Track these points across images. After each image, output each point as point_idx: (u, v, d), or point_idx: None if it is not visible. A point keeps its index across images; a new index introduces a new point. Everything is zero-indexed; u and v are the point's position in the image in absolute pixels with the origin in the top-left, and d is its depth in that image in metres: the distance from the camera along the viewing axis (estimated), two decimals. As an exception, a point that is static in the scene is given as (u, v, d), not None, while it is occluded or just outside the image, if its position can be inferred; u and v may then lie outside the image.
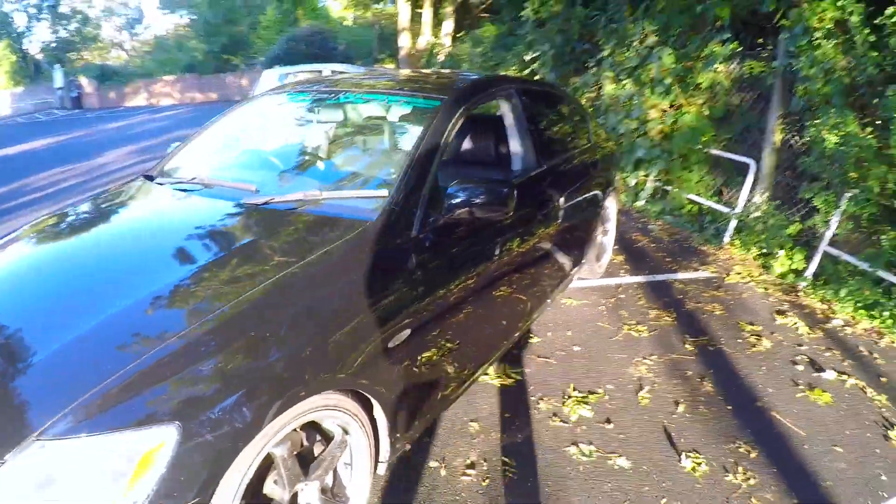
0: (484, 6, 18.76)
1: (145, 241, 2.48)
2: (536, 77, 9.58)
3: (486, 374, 3.58)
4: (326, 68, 10.30)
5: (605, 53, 7.79)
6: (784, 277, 5.34)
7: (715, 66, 6.30)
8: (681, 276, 5.42)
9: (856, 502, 2.66)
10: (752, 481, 2.77)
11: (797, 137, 5.82)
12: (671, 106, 6.83)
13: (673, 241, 6.44)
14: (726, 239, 6.24)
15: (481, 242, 2.82)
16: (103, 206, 2.98)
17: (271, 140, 3.76)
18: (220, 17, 37.50)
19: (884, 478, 2.82)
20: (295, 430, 1.89)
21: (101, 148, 14.66)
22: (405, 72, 4.66)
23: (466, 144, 4.46)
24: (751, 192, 6.29)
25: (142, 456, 1.49)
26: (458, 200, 2.47)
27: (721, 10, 6.10)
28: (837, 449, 3.02)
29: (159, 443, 1.51)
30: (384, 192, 2.47)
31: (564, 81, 9.18)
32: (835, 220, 5.09)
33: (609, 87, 7.47)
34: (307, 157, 3.50)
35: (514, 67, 11.59)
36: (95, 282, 2.17)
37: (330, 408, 1.94)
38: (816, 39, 4.78)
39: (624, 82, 7.44)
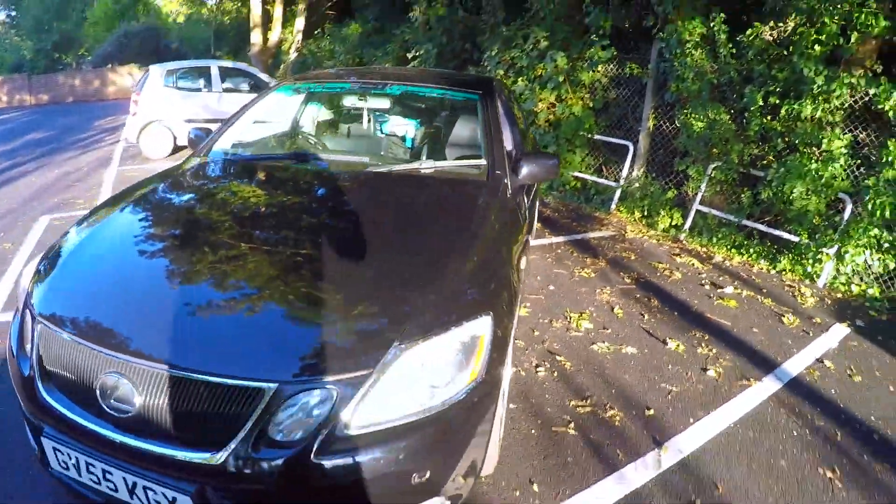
0: (331, 4, 19.40)
1: (340, 204, 2.81)
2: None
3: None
4: (213, 65, 10.49)
5: (493, 53, 9.04)
6: (668, 232, 6.93)
7: (597, 67, 7.79)
8: (591, 235, 6.80)
9: (777, 354, 4.08)
10: (713, 351, 4.09)
11: (668, 124, 7.47)
12: (559, 99, 8.23)
13: (570, 210, 7.85)
14: (613, 206, 7.77)
15: (528, 200, 3.81)
16: (244, 180, 3.22)
17: (334, 123, 4.43)
18: (52, 13, 33.82)
19: (788, 341, 4.30)
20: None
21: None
22: (414, 70, 5.51)
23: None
24: (630, 168, 7.89)
25: (477, 339, 1.99)
26: (525, 170, 3.34)
27: (604, 22, 7.61)
28: (755, 330, 4.47)
29: (483, 329, 2.02)
30: (483, 162, 3.30)
31: None
32: (703, 186, 6.74)
33: (507, 83, 8.75)
34: (386, 137, 4.24)
35: (387, 64, 12.48)
36: (348, 236, 2.48)
37: None
38: (688, 49, 6.36)
39: (512, 79, 8.73)
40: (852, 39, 5.31)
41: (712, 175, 6.61)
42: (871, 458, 3.02)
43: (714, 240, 6.46)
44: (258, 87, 10.48)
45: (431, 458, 1.85)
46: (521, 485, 2.64)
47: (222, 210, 2.75)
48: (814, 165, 5.41)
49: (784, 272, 5.78)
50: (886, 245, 5.07)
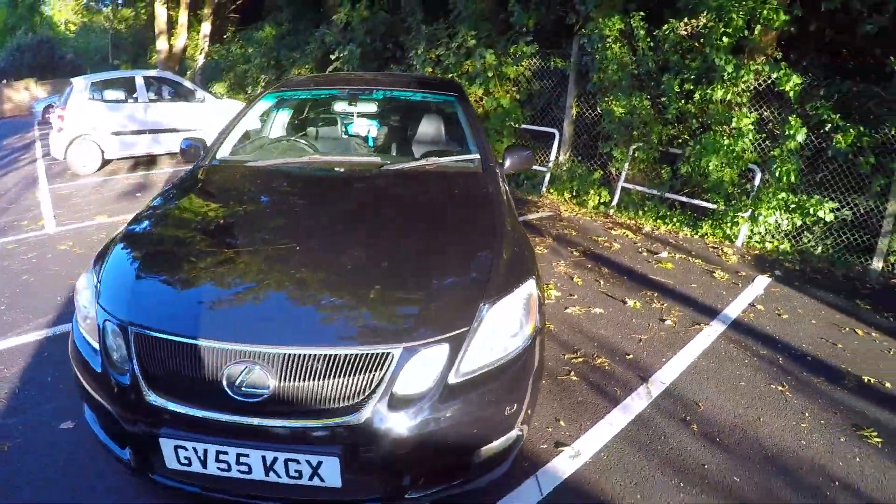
0: (234, 7, 19.18)
1: (384, 198, 3.16)
2: (342, 70, 10.88)
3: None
4: (138, 75, 10.32)
5: (419, 52, 9.50)
6: (597, 209, 7.66)
7: (522, 62, 8.42)
8: (531, 216, 7.42)
9: (717, 303, 4.81)
10: (665, 305, 4.77)
11: (590, 111, 8.20)
12: (486, 93, 8.80)
13: (506, 195, 8.45)
14: (544, 189, 8.44)
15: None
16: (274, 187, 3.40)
17: (334, 126, 4.65)
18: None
19: (723, 292, 5.05)
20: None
21: None
22: (388, 75, 5.84)
23: None
24: (557, 153, 8.58)
25: (531, 296, 2.40)
26: (508, 161, 3.81)
27: (527, 20, 8.24)
28: (693, 285, 5.20)
29: (532, 288, 2.41)
30: (475, 156, 3.71)
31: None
32: (626, 165, 7.51)
33: None
34: (385, 137, 4.54)
35: (307, 66, 12.64)
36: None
37: None
38: (608, 43, 7.07)
39: (440, 76, 9.22)
40: (756, 32, 6.16)
41: (635, 155, 7.37)
42: (809, 374, 3.75)
43: (641, 213, 7.23)
44: (183, 96, 10.44)
45: (513, 393, 2.27)
46: (550, 423, 3.16)
47: (273, 210, 3.03)
48: (726, 141, 6.22)
49: (706, 236, 6.61)
50: (793, 206, 5.95)
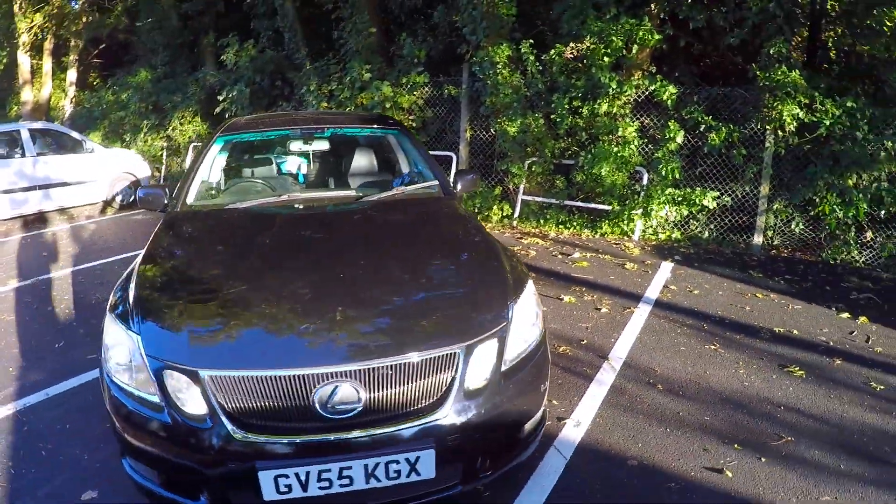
0: (96, 53, 18.42)
1: (381, 225, 3.38)
2: (231, 111, 10.88)
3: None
4: (23, 128, 9.63)
5: (311, 88, 9.75)
6: (502, 221, 8.27)
7: (415, 91, 8.93)
8: (445, 235, 7.90)
9: (637, 289, 5.48)
10: (595, 296, 5.38)
11: (483, 133, 8.84)
12: (382, 123, 9.20)
13: (413, 219, 8.89)
14: (449, 209, 8.95)
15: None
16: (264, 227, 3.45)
17: (292, 165, 4.79)
18: None
19: (638, 279, 5.75)
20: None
21: None
22: (327, 113, 5.99)
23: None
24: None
25: (534, 293, 2.76)
26: (460, 185, 4.15)
27: (419, 52, 8.78)
28: (611, 277, 5.87)
29: (533, 286, 2.79)
30: (435, 182, 3.96)
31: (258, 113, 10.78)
32: (524, 179, 8.19)
33: None
34: (343, 171, 4.68)
35: (190, 109, 12.40)
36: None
37: None
38: (499, 69, 7.74)
39: (335, 109, 9.52)
40: (634, 51, 7.05)
41: (531, 169, 8.07)
42: (732, 333, 4.45)
43: (542, 221, 7.92)
44: (71, 147, 9.93)
45: (542, 372, 2.64)
46: (545, 404, 3.59)
47: (288, 244, 3.16)
48: (615, 149, 7.02)
49: (606, 234, 7.38)
50: (679, 199, 6.82)
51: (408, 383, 2.20)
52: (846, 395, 3.52)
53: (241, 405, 2.13)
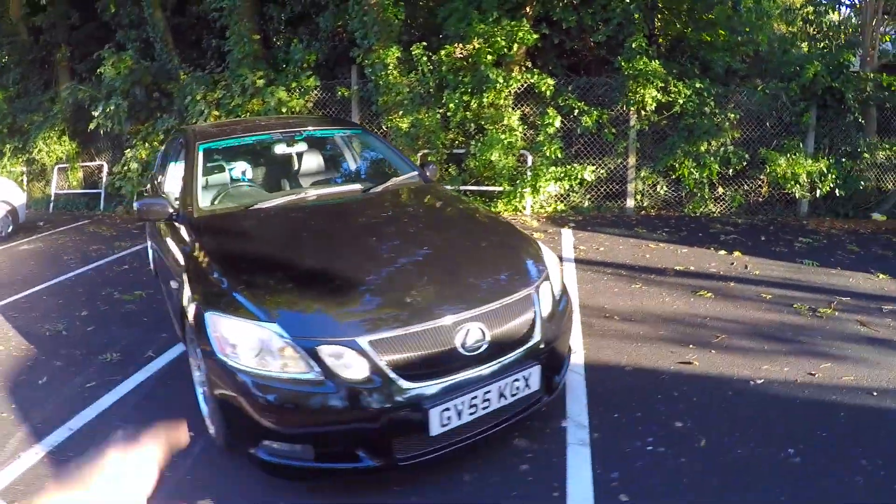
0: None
1: (363, 226, 3.62)
2: (106, 127, 10.46)
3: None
4: None
5: (198, 98, 9.65)
6: (404, 210, 8.97)
7: (307, 94, 9.30)
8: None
9: (553, 251, 6.48)
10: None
11: (375, 130, 9.44)
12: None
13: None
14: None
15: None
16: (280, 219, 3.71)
17: (287, 165, 4.98)
18: None
19: (550, 244, 6.74)
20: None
21: None
22: (292, 117, 6.43)
23: None
24: (351, 170, 9.67)
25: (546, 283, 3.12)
26: (429, 173, 4.64)
27: (309, 56, 9.17)
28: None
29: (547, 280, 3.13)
30: (415, 173, 4.41)
31: (136, 127, 10.45)
32: (420, 169, 8.93)
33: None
34: (328, 168, 5.09)
35: (57, 127, 11.62)
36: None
37: None
38: (390, 70, 8.41)
39: (224, 116, 9.54)
40: (514, 49, 8.04)
41: (428, 159, 8.83)
42: (647, 274, 5.52)
43: (444, 205, 8.73)
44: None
45: (569, 308, 3.34)
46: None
47: (334, 234, 3.48)
48: (503, 136, 7.98)
49: (502, 212, 8.35)
50: (561, 175, 7.93)
51: (511, 319, 2.79)
52: (748, 304, 4.70)
53: (403, 360, 2.51)
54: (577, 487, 2.68)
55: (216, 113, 9.48)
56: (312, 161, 5.11)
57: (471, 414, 2.62)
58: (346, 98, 9.36)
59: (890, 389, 3.38)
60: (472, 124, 8.37)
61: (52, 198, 11.93)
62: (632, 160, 7.95)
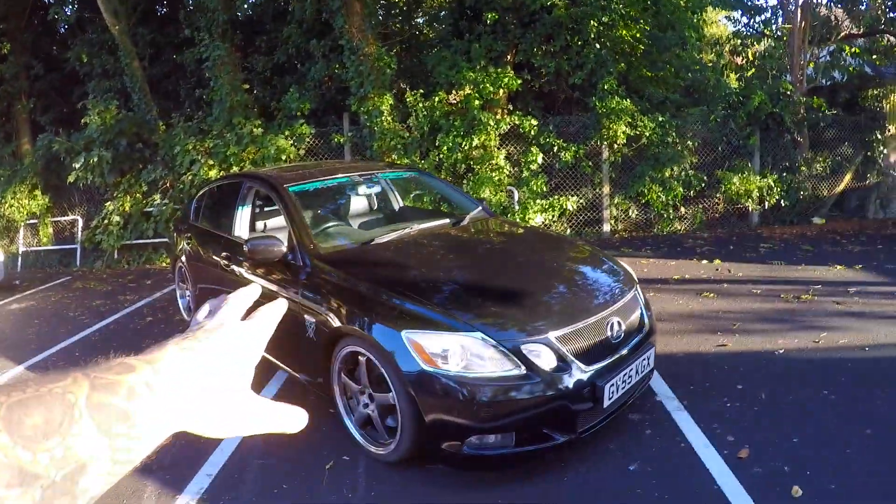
0: None
1: (481, 250, 4.39)
2: (86, 180, 10.59)
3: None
4: None
5: (189, 147, 10.02)
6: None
7: (302, 142, 9.98)
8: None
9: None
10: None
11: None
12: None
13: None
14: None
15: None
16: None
17: (366, 204, 5.57)
18: None
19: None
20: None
21: None
22: (360, 163, 7.23)
23: None
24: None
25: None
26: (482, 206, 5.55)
27: (303, 105, 9.90)
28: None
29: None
30: (479, 207, 4.93)
31: (119, 178, 10.62)
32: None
33: (213, 172, 9.85)
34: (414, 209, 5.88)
35: (28, 181, 11.52)
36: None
37: None
38: (384, 117, 9.30)
39: (216, 167, 9.99)
40: (500, 94, 9.12)
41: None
42: (652, 284, 6.62)
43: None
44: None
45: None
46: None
47: (454, 258, 4.09)
48: (492, 174, 9.01)
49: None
50: (546, 206, 9.01)
51: (632, 313, 3.58)
52: (745, 299, 5.86)
53: (580, 349, 3.13)
54: (694, 437, 3.58)
55: (210, 162, 9.87)
56: (386, 200, 5.80)
57: (622, 387, 3.27)
58: (340, 144, 10.12)
59: (877, 345, 4.56)
60: (463, 165, 9.34)
61: (20, 255, 11.72)
62: (606, 189, 9.17)
